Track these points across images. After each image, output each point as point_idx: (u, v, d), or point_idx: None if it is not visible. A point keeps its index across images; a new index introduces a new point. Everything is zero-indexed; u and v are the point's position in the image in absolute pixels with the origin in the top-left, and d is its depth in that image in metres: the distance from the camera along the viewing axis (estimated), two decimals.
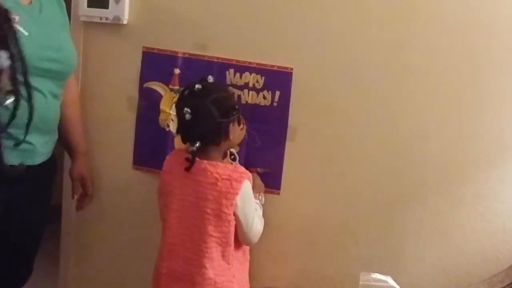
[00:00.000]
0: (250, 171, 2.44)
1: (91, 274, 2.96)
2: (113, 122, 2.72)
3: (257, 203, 2.47)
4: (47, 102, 2.35)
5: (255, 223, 2.39)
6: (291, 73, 2.53)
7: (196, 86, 2.31)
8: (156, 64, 2.68)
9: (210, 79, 2.37)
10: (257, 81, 2.57)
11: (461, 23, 2.37)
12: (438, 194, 2.48)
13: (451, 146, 2.44)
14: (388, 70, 2.45)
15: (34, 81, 2.28)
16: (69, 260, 2.96)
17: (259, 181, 2.56)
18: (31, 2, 2.38)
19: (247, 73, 2.58)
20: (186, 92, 2.35)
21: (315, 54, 2.52)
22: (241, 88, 2.58)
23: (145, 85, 2.70)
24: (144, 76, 2.71)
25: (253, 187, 2.43)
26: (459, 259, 2.48)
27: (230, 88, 2.54)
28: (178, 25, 2.66)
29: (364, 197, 2.54)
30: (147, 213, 2.71)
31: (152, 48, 2.69)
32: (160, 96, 2.68)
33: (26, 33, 2.27)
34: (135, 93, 2.72)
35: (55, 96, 2.40)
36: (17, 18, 2.26)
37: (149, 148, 2.73)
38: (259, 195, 2.53)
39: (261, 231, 2.44)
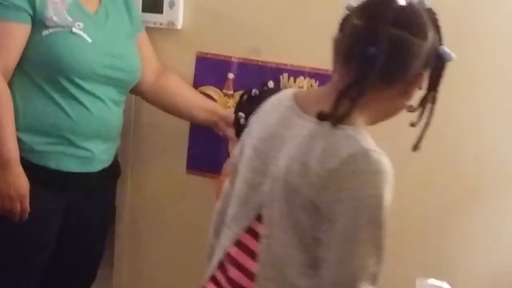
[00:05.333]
0: None
1: (145, 278, 2.98)
2: (167, 127, 2.74)
3: None
4: (107, 109, 2.37)
5: None
6: None
7: (253, 91, 2.32)
8: (210, 69, 2.70)
9: (271, 84, 2.38)
10: (311, 86, 2.56)
11: None
12: (495, 197, 2.45)
13: (508, 146, 2.42)
14: None
15: (94, 88, 2.31)
16: (123, 264, 2.98)
17: None
18: (97, 11, 2.40)
19: (301, 78, 2.58)
20: (244, 97, 2.36)
21: None
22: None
23: (199, 89, 2.71)
24: (198, 81, 2.72)
25: None
26: None
27: None
28: (232, 29, 2.66)
29: (419, 200, 2.52)
30: (201, 218, 2.70)
31: (206, 53, 2.70)
32: (214, 101, 2.69)
33: (90, 40, 2.30)
34: None
35: (116, 103, 2.42)
36: (81, 24, 2.30)
37: (203, 153, 2.74)
38: None
39: None
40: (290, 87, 2.57)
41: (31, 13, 2.23)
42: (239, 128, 2.34)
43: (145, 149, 2.81)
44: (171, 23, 2.70)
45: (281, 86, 2.57)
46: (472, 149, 2.44)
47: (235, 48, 2.66)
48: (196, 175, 2.78)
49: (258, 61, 2.62)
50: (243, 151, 1.71)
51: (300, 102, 1.62)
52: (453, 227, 2.50)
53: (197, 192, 2.77)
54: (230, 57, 2.66)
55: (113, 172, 2.56)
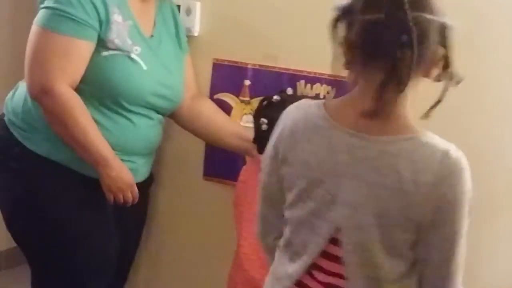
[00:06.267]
0: None
1: (162, 285, 2.98)
2: (184, 133, 2.73)
3: None
4: (151, 128, 2.41)
5: None
6: None
7: (274, 97, 2.32)
8: (226, 75, 2.70)
9: (289, 91, 2.38)
10: (328, 92, 2.56)
11: None
12: None
13: None
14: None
15: (139, 109, 2.33)
16: (139, 272, 2.97)
17: None
18: (152, 34, 2.42)
19: (317, 84, 2.57)
20: (264, 103, 2.36)
21: None
22: (312, 99, 2.56)
23: (216, 96, 2.72)
24: (215, 88, 2.72)
25: None
26: None
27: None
28: (248, 36, 2.67)
29: None
30: (218, 225, 2.72)
31: (223, 60, 2.70)
32: (230, 108, 2.70)
33: (145, 67, 2.31)
34: None
35: (159, 121, 2.46)
36: (139, 49, 2.31)
37: (220, 159, 2.74)
38: None
39: None
40: (307, 94, 2.57)
41: (98, 32, 2.25)
42: (260, 134, 2.33)
43: (162, 156, 2.81)
44: (188, 30, 2.70)
45: (298, 93, 2.57)
46: (490, 158, 2.43)
47: (251, 54, 2.66)
48: (213, 182, 2.78)
49: (274, 67, 2.62)
50: (286, 180, 1.65)
51: (341, 120, 1.57)
52: (472, 234, 2.48)
53: (214, 199, 2.77)
54: (247, 64, 2.66)
55: (148, 180, 2.59)
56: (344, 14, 1.54)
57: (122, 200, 2.33)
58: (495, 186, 2.43)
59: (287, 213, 1.68)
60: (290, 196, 1.66)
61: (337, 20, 1.56)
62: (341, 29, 1.55)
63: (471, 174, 1.59)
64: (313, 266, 1.63)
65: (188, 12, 2.70)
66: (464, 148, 2.42)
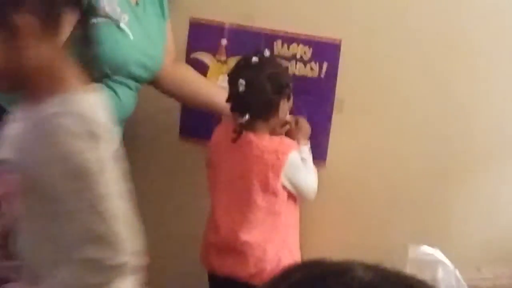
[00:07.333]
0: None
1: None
2: (159, 93, 2.72)
3: (306, 151, 2.46)
4: (131, 96, 2.37)
5: (308, 183, 2.40)
6: (339, 45, 2.52)
7: (253, 59, 2.30)
8: (203, 34, 2.67)
9: (267, 52, 2.35)
10: (305, 53, 2.55)
11: None
12: (487, 169, 2.46)
13: (503, 119, 2.42)
14: (439, 39, 2.42)
15: (122, 79, 2.29)
16: None
17: (306, 124, 2.51)
18: (137, 3, 2.36)
19: (294, 44, 2.56)
20: (242, 63, 2.34)
21: (364, 25, 2.50)
22: (288, 59, 2.57)
23: (192, 55, 2.69)
24: (191, 47, 2.70)
25: (300, 133, 2.45)
26: (507, 234, 2.46)
27: (283, 62, 2.52)
28: None
29: (411, 169, 2.54)
30: (195, 185, 2.71)
31: (199, 19, 2.68)
32: (207, 67, 2.67)
33: (132, 37, 2.26)
34: None
35: (137, 89, 2.41)
36: (126, 17, 2.26)
37: (196, 118, 2.73)
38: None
39: (316, 183, 2.42)
40: (284, 54, 2.56)
41: None
42: (237, 95, 2.31)
43: (137, 117, 2.79)
44: None
45: (275, 53, 2.55)
46: (466, 121, 2.45)
47: (228, 14, 2.63)
48: (190, 141, 2.76)
49: (251, 27, 2.60)
50: None
51: None
52: (444, 196, 2.51)
53: (190, 158, 2.76)
54: (223, 23, 2.64)
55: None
56: None
57: None
58: (470, 149, 2.46)
59: None
60: None
61: None
62: None
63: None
64: None
65: None
66: (442, 112, 2.45)
